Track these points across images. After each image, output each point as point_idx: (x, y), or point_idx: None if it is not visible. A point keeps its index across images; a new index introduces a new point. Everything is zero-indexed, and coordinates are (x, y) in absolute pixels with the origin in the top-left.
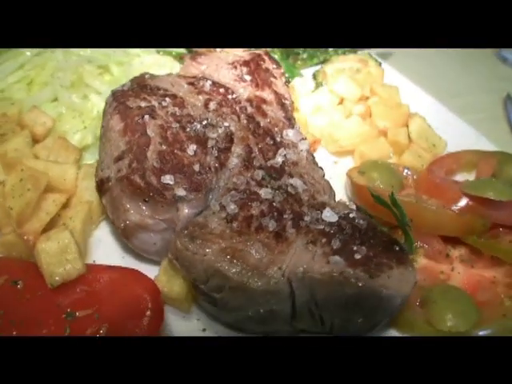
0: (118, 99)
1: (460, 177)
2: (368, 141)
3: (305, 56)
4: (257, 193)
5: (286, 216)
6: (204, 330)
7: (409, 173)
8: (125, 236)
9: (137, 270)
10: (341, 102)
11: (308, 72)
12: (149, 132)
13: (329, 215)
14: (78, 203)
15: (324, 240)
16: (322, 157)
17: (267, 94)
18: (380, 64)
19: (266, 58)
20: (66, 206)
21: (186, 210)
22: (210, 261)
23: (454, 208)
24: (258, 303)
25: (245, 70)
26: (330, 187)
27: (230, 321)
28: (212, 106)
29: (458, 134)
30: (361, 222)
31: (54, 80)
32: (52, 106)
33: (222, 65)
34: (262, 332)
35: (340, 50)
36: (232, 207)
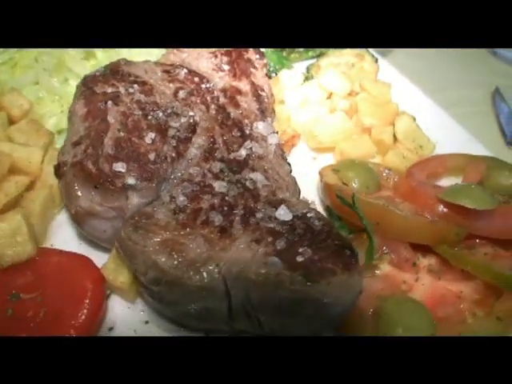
0: (87, 84)
1: (447, 181)
2: (350, 138)
3: (301, 49)
4: (211, 185)
5: (236, 211)
6: (147, 322)
7: (390, 174)
8: (76, 222)
9: (85, 257)
10: (329, 96)
11: (304, 65)
12: (109, 118)
13: (282, 213)
14: (41, 186)
15: (270, 239)
16: (301, 152)
17: (244, 85)
18: (376, 60)
19: (249, 48)
20: (31, 188)
21: (136, 199)
22: (149, 252)
23: (429, 214)
24: (194, 300)
25: (225, 59)
26: (295, 184)
27: (170, 315)
28: (181, 94)
29: (450, 136)
30: (316, 222)
31: (38, 63)
32: (34, 89)
33: (204, 53)
34: (203, 329)
35: None
36: (181, 199)
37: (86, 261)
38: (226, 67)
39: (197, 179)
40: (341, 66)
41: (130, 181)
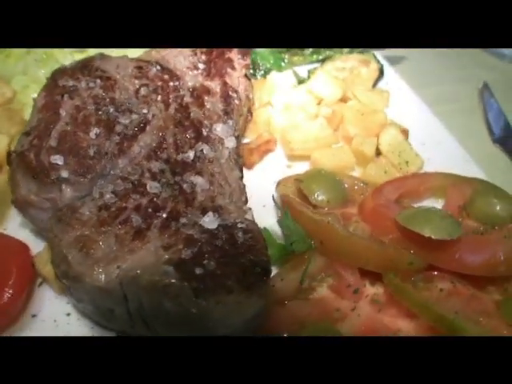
0: (54, 77)
1: (430, 203)
2: (328, 147)
3: (308, 52)
4: (145, 185)
5: (159, 214)
6: (68, 314)
7: (365, 189)
8: (18, 209)
9: (22, 244)
10: (319, 102)
11: (306, 68)
12: (61, 111)
13: (207, 221)
14: (5, 172)
15: (180, 247)
16: (277, 159)
17: (215, 85)
18: (381, 66)
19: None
20: None
21: (69, 193)
22: (62, 246)
23: (385, 238)
24: (96, 299)
25: (204, 57)
26: (241, 192)
27: (83, 311)
28: (143, 91)
29: (444, 153)
30: (240, 234)
31: (30, 54)
32: (23, 79)
33: (184, 51)
34: (116, 331)
35: (345, 50)
36: (108, 196)
37: (20, 247)
38: (202, 66)
39: (133, 178)
40: (345, 71)
41: (64, 174)
